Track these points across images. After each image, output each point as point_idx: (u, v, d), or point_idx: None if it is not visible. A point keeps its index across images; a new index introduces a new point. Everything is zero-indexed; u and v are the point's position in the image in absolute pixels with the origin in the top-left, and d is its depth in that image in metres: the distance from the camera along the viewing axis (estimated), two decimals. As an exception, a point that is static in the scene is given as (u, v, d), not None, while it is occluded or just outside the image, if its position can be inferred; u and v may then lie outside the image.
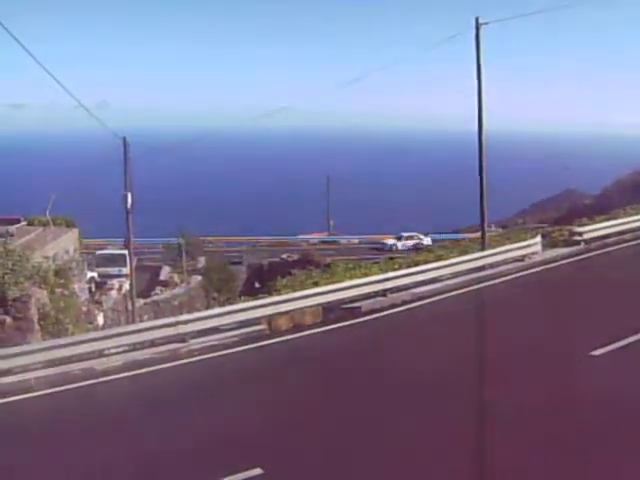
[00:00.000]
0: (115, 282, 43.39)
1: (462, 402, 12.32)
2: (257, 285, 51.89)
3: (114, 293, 41.36)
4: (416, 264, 24.36)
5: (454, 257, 24.39)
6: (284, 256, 64.94)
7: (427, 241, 71.56)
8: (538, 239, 25.29)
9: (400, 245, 71.51)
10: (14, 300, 20.56)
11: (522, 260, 23.94)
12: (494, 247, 25.36)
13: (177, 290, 49.55)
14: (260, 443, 11.18)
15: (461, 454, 10.48)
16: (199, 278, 54.08)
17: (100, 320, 32.89)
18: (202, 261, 61.12)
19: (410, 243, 71.16)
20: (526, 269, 23.21)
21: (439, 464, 10.15)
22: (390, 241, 72.92)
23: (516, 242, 26.02)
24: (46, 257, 27.52)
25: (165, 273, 55.37)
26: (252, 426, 11.90)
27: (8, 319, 19.78)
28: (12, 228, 32.19)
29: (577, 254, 25.00)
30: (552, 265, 23.78)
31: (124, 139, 32.56)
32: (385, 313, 19.04)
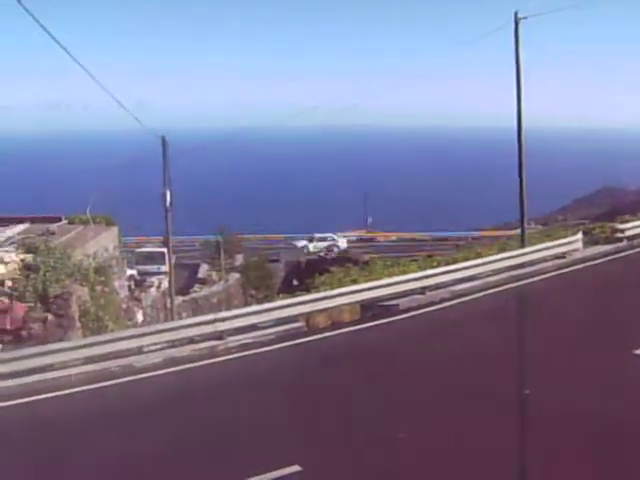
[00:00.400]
0: (154, 279, 43.70)
1: (506, 401, 12.19)
2: (295, 283, 51.88)
3: (153, 290, 41.65)
4: (455, 262, 24.18)
5: (493, 254, 24.17)
6: (322, 253, 64.88)
7: (342, 243, 69.98)
8: (579, 236, 24.93)
9: (312, 247, 68.87)
10: (55, 297, 20.91)
11: (563, 257, 23.63)
12: (534, 244, 25.05)
13: (215, 288, 49.70)
14: (298, 441, 11.16)
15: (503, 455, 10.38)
16: (237, 276, 54.21)
17: (139, 317, 33.18)
18: (240, 259, 61.30)
19: (323, 245, 69.04)
20: (567, 266, 22.90)
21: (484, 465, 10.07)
22: (301, 243, 70.11)
23: (556, 239, 25.70)
24: (86, 255, 27.83)
25: (203, 271, 55.60)
26: (291, 423, 11.89)
27: (50, 316, 20.11)
28: (53, 227, 32.61)
29: (619, 251, 24.62)
30: (593, 262, 23.43)
31: (163, 138, 32.75)
32: (423, 311, 18.90)
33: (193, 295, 46.09)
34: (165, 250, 41.24)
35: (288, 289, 46.57)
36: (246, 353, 16.37)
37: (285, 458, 10.25)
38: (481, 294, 20.16)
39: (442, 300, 19.73)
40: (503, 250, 25.90)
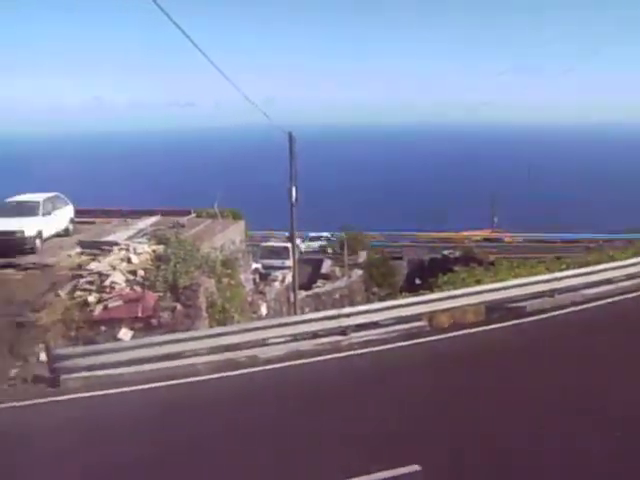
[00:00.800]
0: (278, 274, 44.31)
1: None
2: (418, 281, 51.53)
3: (277, 284, 42.23)
4: (586, 264, 23.32)
5: (628, 258, 23.12)
6: (446, 252, 64.18)
7: (303, 246, 64.53)
8: None
9: (304, 247, 63.89)
10: (184, 288, 21.51)
11: None
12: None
13: (338, 283, 49.98)
14: (420, 440, 10.99)
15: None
16: (360, 272, 54.32)
17: (263, 310, 33.67)
18: (363, 255, 61.39)
19: (316, 245, 65.65)
20: None
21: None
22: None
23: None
24: (214, 248, 28.48)
25: (326, 266, 56.03)
26: (412, 422, 11.73)
27: (179, 306, 20.70)
28: (183, 220, 33.60)
29: None
30: None
31: (290, 134, 33.12)
32: (552, 314, 18.24)
33: (316, 290, 46.51)
34: (289, 245, 41.81)
35: (410, 287, 46.39)
36: (369, 350, 16.29)
37: (406, 457, 10.11)
38: (615, 299, 19.27)
39: (573, 303, 18.94)
40: (639, 254, 24.75)
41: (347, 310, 18.07)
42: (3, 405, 14.54)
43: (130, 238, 28.56)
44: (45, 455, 11.25)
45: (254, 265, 41.29)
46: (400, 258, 63.92)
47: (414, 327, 17.70)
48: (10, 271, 25.25)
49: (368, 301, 43.41)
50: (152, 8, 14.92)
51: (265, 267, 45.28)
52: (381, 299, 41.57)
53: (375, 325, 17.67)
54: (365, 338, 17.03)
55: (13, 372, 17.93)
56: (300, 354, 16.20)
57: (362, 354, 16.06)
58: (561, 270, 22.67)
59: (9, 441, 12.03)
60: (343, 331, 17.09)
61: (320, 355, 16.08)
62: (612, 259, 24.11)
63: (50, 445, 11.64)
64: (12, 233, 26.77)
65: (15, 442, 11.95)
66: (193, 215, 36.51)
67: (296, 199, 32.82)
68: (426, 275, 48.65)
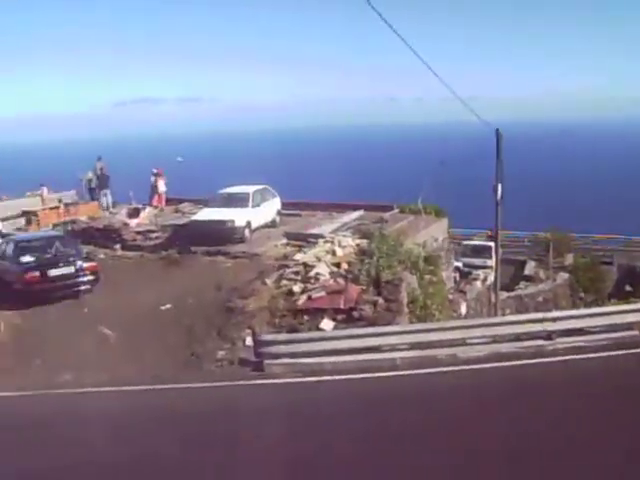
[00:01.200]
0: (480, 273, 43.59)
1: None
2: (628, 288, 48.74)
3: (478, 284, 41.54)
4: None
5: None
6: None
7: None
8: None
9: None
10: (386, 282, 21.77)
11: None
12: None
13: (542, 286, 48.28)
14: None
15: None
16: (566, 276, 52.14)
17: (463, 309, 33.29)
18: (570, 258, 58.84)
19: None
20: None
21: None
22: None
23: None
24: (417, 244, 28.56)
25: (530, 268, 54.24)
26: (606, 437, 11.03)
27: (380, 300, 20.95)
28: (386, 215, 33.94)
29: None
30: None
31: (497, 130, 32.45)
32: None
33: (518, 292, 45.28)
34: (492, 244, 41.02)
35: (619, 294, 44.14)
36: (574, 357, 15.59)
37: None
38: None
39: None
40: None
41: (553, 314, 17.54)
42: (210, 384, 15.48)
43: (335, 231, 29.31)
44: (248, 436, 11.62)
45: (455, 263, 40.94)
46: (610, 263, 60.48)
47: (624, 336, 16.80)
48: (221, 259, 26.95)
49: (573, 306, 41.68)
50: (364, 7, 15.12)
51: (466, 265, 44.72)
52: (587, 305, 39.80)
53: (581, 332, 16.96)
54: (571, 344, 16.39)
55: (220, 354, 19.04)
56: (501, 356, 15.88)
57: (567, 361, 15.44)
58: None
59: (202, 421, 12.70)
60: (548, 335, 16.54)
61: (522, 359, 15.64)
62: None
63: (254, 428, 12.06)
64: (223, 223, 28.45)
65: (215, 422, 12.59)
66: (396, 210, 36.78)
67: (501, 197, 32.15)
68: (638, 282, 45.94)
